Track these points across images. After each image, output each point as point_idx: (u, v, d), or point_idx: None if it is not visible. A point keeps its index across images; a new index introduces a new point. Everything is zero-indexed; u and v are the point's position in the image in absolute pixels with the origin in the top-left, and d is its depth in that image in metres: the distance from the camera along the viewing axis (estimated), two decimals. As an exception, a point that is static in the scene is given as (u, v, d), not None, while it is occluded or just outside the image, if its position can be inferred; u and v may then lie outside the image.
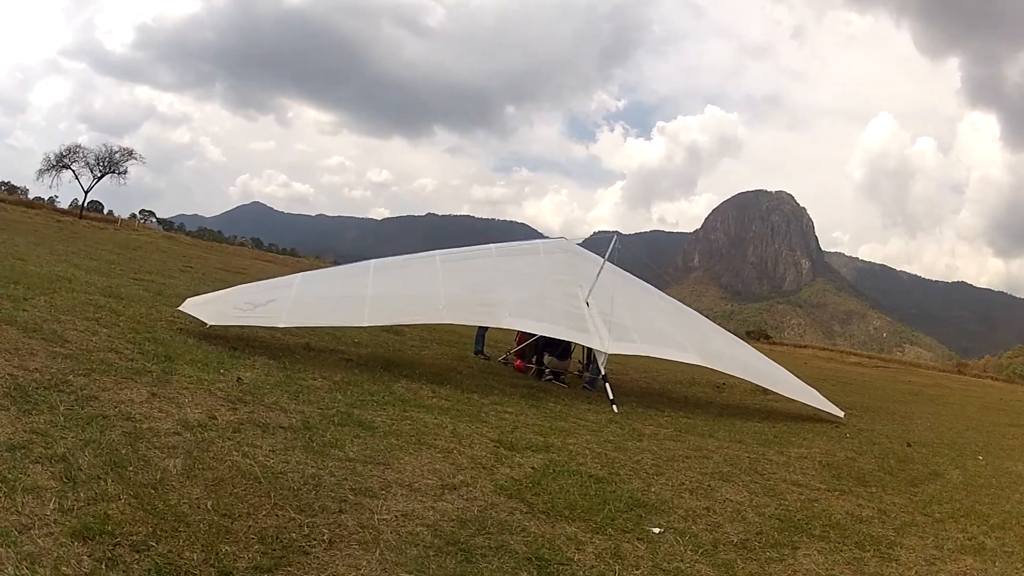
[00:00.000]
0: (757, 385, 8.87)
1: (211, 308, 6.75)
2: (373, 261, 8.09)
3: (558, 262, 8.67)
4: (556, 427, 5.55)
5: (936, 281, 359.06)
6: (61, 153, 49.84)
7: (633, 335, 7.80)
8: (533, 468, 4.18)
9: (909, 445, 7.52)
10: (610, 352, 7.24)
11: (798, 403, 8.57)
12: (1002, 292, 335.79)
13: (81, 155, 50.28)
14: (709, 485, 4.51)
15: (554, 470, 4.21)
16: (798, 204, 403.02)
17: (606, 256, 8.62)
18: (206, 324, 6.35)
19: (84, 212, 48.43)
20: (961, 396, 19.73)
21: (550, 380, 8.22)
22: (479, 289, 7.78)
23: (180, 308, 6.83)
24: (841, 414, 8.54)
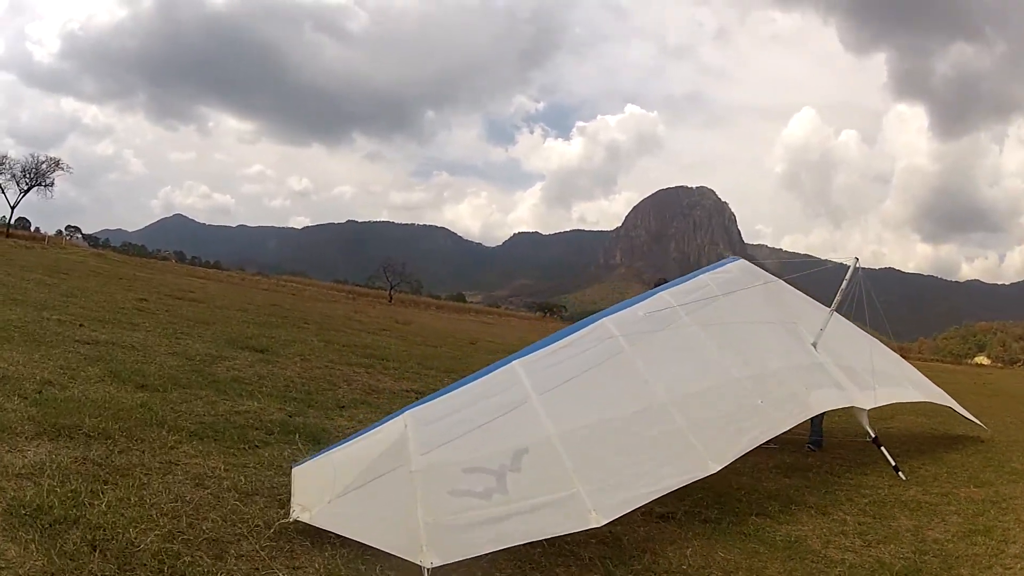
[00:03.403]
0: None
1: (399, 511, 3.22)
2: (611, 322, 4.95)
3: (764, 296, 6.41)
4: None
5: (863, 268, 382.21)
6: (-16, 164, 45.99)
7: (868, 379, 6.30)
8: None
9: None
10: (871, 406, 5.85)
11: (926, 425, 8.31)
12: (932, 276, 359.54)
13: (7, 166, 47.21)
14: None
15: None
16: (720, 199, 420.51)
17: (839, 292, 6.45)
18: (423, 570, 2.83)
19: (11, 230, 44.38)
20: (950, 385, 19.34)
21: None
22: (755, 358, 5.35)
23: (302, 517, 3.25)
24: (986, 428, 8.19)
